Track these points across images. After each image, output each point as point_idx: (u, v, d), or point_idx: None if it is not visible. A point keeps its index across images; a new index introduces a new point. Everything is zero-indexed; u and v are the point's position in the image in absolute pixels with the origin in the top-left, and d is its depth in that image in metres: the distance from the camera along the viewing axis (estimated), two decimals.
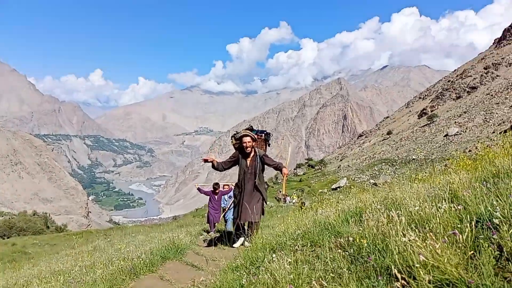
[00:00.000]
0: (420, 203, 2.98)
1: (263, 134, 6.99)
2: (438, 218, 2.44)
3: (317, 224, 4.13)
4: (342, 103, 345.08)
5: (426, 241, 2.02)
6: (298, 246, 3.62)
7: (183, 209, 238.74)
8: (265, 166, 6.35)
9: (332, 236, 3.49)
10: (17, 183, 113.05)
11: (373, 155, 55.54)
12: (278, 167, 6.03)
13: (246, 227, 6.40)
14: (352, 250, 2.74)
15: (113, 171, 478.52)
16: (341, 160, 69.73)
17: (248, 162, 6.22)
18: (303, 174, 61.46)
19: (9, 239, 35.35)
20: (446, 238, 2.02)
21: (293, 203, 20.24)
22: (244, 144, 6.15)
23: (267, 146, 7.13)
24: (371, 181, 33.71)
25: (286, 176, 6.12)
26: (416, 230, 2.36)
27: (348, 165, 54.74)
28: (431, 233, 2.16)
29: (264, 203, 6.36)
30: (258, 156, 6.20)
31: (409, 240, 2.15)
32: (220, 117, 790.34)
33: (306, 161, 78.35)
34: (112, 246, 8.12)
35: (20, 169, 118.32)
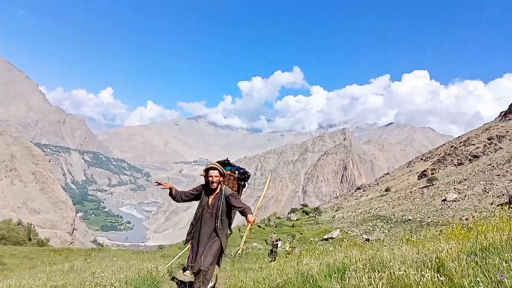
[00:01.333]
0: (405, 268, 2.90)
1: (236, 172, 5.96)
2: (420, 287, 2.36)
3: (299, 275, 4.01)
4: (344, 153, 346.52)
5: None
6: None
7: (170, 239, 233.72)
8: (232, 209, 5.44)
9: None
10: (8, 190, 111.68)
11: (369, 210, 54.97)
12: (244, 212, 5.11)
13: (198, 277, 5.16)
14: None
15: (106, 190, 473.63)
16: (336, 211, 68.97)
17: (210, 199, 5.29)
18: (296, 219, 60.60)
19: None
20: None
21: (285, 249, 19.79)
22: (210, 178, 5.25)
23: (242, 188, 6.11)
24: (364, 236, 33.11)
25: (251, 225, 5.02)
26: None
27: (343, 217, 54.06)
28: None
29: (223, 252, 5.33)
30: (222, 195, 5.26)
31: None
32: (222, 151, 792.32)
33: (301, 206, 77.56)
34: (89, 269, 7.86)
35: (14, 175, 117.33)
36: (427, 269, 2.73)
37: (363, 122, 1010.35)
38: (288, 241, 26.44)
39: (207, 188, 5.34)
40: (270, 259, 16.28)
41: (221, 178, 5.35)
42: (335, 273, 3.81)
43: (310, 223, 53.95)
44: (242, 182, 6.02)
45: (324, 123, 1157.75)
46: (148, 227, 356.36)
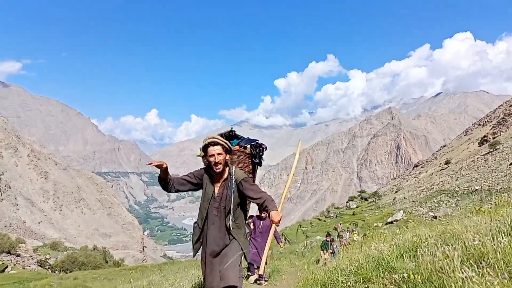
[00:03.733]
0: (480, 237, 2.83)
1: (248, 146, 4.32)
2: (498, 253, 2.30)
3: (370, 260, 4.00)
4: (394, 133, 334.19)
5: (484, 277, 1.96)
6: (350, 282, 3.53)
7: None
8: (248, 200, 3.77)
9: (386, 272, 3.37)
10: (80, 219, 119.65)
11: (431, 186, 52.62)
12: (263, 206, 3.51)
13: None
14: (406, 286, 2.64)
15: (167, 206, 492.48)
16: (396, 192, 66.73)
17: (216, 189, 3.70)
18: (356, 207, 59.42)
19: (71, 273, 37.05)
20: (506, 274, 1.95)
21: (355, 239, 17.61)
22: (212, 159, 3.62)
23: (256, 167, 4.43)
24: (430, 214, 31.78)
25: (276, 225, 3.44)
26: (475, 266, 2.24)
27: (404, 197, 52.21)
28: (489, 269, 2.11)
29: (244, 259, 3.74)
30: (233, 181, 3.67)
31: (466, 277, 2.08)
32: (269, 151, 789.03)
33: (359, 193, 75.87)
34: (166, 281, 8.30)
35: (83, 205, 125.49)
36: (503, 236, 2.65)
37: (409, 97, 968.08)
38: (355, 231, 25.62)
39: (209, 173, 3.74)
40: (325, 257, 12.83)
41: (227, 156, 3.71)
42: (406, 253, 3.78)
43: (371, 209, 52.67)
44: (257, 160, 4.32)
45: (368, 106, 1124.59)
46: None
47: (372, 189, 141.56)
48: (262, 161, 4.44)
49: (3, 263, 37.51)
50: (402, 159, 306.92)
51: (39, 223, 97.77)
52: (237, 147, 4.26)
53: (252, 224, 7.90)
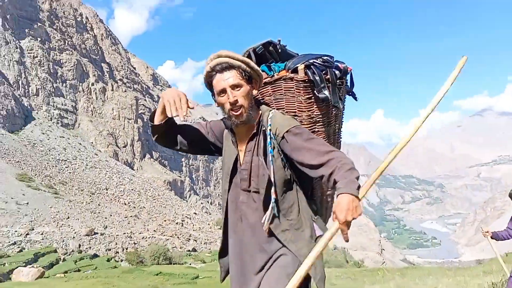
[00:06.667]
0: None
1: (301, 67, 1.84)
2: None
3: None
4: None
5: None
6: None
7: (487, 251, 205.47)
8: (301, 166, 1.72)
9: None
10: None
11: None
12: (331, 181, 1.56)
13: None
14: None
15: (402, 208, 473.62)
16: None
17: (242, 154, 1.86)
18: None
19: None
20: None
21: None
22: (222, 98, 1.74)
23: (332, 109, 1.95)
24: None
25: (340, 228, 1.43)
26: None
27: None
28: None
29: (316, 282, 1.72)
30: (269, 136, 1.74)
31: None
32: None
33: None
34: (416, 285, 8.29)
35: None
36: None
37: None
38: None
39: (231, 127, 1.87)
40: None
41: (255, 89, 1.84)
42: None
43: None
44: (326, 94, 1.84)
45: None
46: (457, 240, 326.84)
47: None
48: (344, 98, 2.06)
49: None
50: None
51: None
52: (282, 73, 1.91)
53: None
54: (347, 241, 1.43)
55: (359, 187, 1.47)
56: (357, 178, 1.50)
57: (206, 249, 47.85)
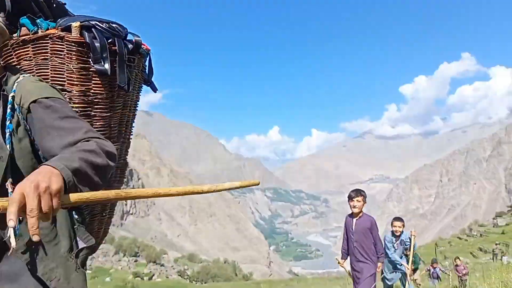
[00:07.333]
0: None
1: (75, 24, 1.40)
2: None
3: None
4: None
5: None
6: None
7: None
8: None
9: None
10: (211, 233, 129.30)
11: None
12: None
13: None
14: None
15: (291, 221, 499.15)
16: None
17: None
18: (506, 224, 50.98)
19: (206, 284, 39.74)
20: None
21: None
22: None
23: (116, 92, 1.55)
24: None
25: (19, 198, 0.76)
26: None
27: None
28: None
29: None
30: (13, 109, 1.15)
31: None
32: (397, 163, 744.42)
33: (509, 208, 65.26)
34: None
35: (214, 220, 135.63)
36: None
37: None
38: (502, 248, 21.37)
39: None
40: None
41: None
42: None
43: None
44: (126, 68, 1.48)
45: None
46: (337, 252, 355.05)
47: None
48: (139, 85, 1.73)
49: (150, 272, 42.25)
50: None
51: (178, 236, 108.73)
52: (52, 31, 1.40)
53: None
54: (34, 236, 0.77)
55: (76, 171, 0.94)
56: (96, 165, 1.03)
57: None
